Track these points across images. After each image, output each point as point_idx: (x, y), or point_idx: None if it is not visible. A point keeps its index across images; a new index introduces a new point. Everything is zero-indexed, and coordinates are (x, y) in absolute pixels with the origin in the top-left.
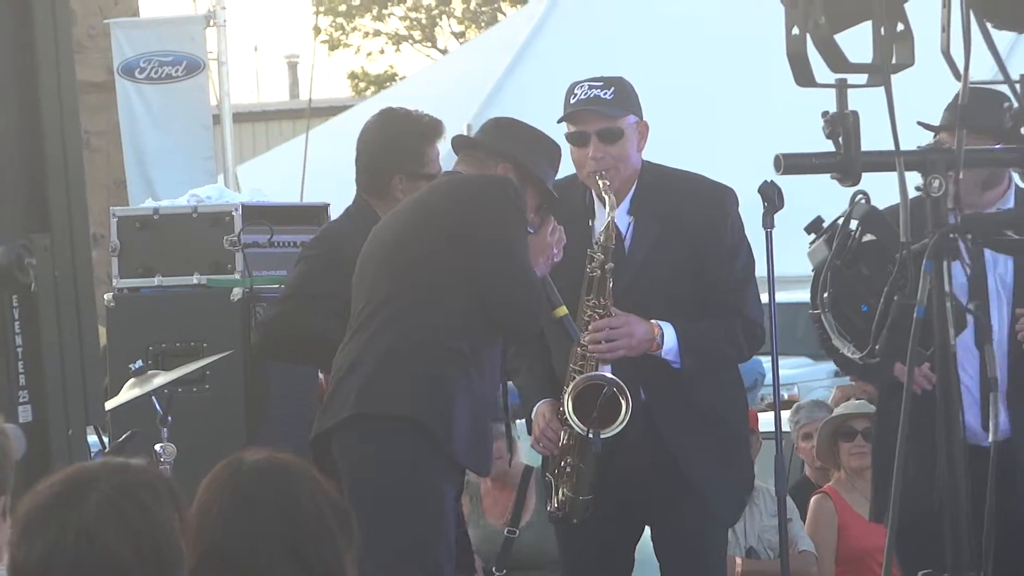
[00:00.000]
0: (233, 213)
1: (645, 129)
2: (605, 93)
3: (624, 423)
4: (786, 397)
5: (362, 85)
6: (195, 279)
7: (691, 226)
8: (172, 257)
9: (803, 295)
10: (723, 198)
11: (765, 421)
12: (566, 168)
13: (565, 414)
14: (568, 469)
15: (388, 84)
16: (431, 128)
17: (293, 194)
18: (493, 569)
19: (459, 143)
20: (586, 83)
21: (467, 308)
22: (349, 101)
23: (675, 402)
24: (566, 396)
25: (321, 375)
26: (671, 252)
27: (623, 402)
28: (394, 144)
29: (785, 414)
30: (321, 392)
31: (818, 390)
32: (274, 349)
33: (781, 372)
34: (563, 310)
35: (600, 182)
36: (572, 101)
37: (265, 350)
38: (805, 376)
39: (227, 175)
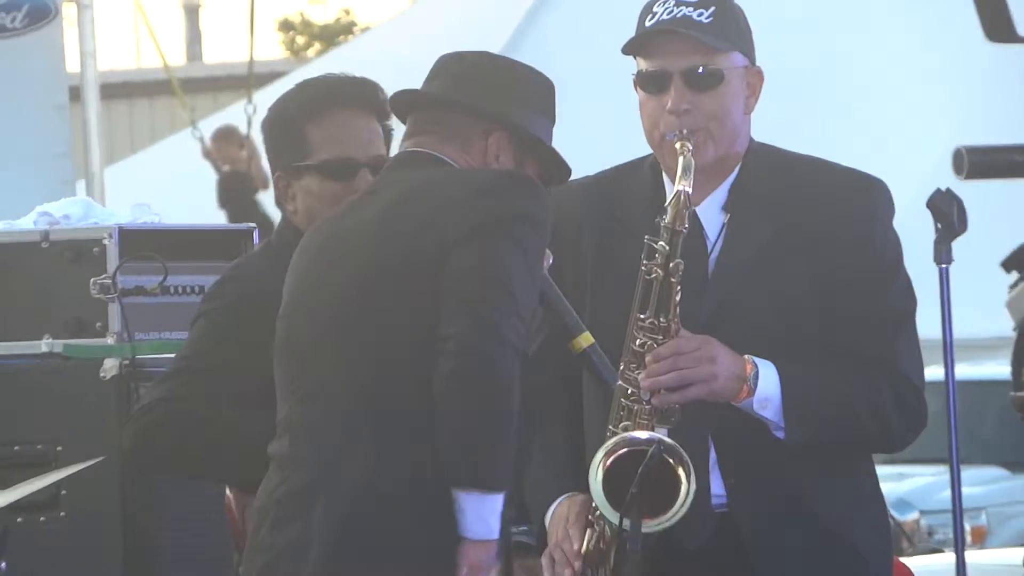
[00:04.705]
0: (105, 241)
1: (758, 79)
2: (701, 15)
3: (682, 511)
4: (969, 529)
5: (300, 40)
6: (44, 345)
7: (821, 233)
8: (10, 311)
9: (993, 369)
10: (871, 195)
11: (928, 569)
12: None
13: (592, 494)
14: None
15: (341, 39)
16: (327, 96)
17: (198, 211)
18: None
19: (411, 101)
20: None
21: None
22: (282, 65)
23: (772, 499)
24: (596, 465)
25: (229, 493)
26: (786, 270)
27: (683, 477)
28: (268, 133)
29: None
30: (232, 520)
31: (1019, 517)
32: (151, 456)
33: (964, 490)
34: (587, 338)
35: (679, 146)
36: (648, 23)
37: (139, 456)
38: (998, 496)
39: (90, 180)
